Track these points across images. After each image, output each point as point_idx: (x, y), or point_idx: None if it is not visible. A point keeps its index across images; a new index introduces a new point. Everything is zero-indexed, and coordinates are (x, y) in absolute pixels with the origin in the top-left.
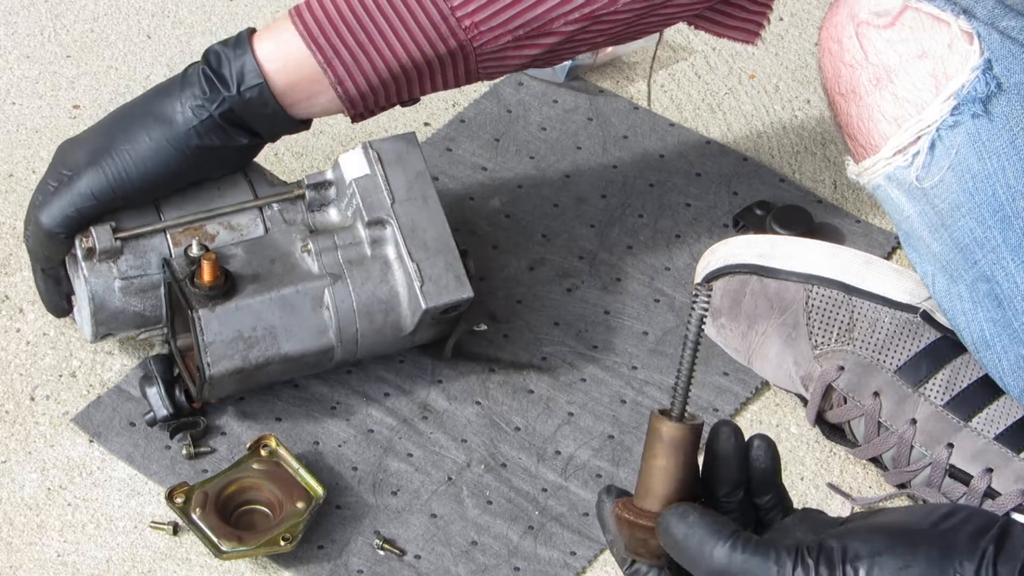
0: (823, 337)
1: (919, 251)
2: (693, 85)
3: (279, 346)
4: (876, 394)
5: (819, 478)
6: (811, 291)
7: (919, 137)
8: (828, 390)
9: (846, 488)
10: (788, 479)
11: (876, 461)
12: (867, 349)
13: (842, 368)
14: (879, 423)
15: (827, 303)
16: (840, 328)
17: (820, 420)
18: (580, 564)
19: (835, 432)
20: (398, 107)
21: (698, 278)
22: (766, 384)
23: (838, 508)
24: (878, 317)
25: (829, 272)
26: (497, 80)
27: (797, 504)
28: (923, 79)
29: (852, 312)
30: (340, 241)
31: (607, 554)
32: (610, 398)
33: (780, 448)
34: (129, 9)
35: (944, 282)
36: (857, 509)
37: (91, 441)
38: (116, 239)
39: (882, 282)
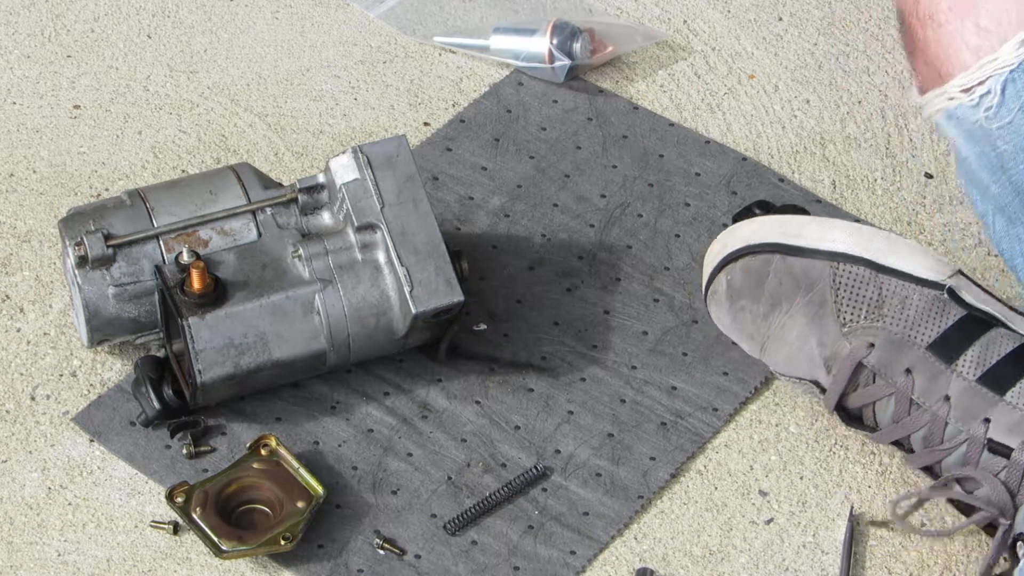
0: (852, 315)
1: (978, 189)
2: (692, 85)
3: (270, 352)
4: (908, 371)
5: (818, 478)
6: (838, 268)
7: (989, 77)
8: (857, 369)
9: (845, 488)
10: (788, 479)
11: (899, 444)
12: (898, 325)
13: (872, 345)
14: (911, 401)
15: (855, 280)
16: (869, 305)
17: (838, 406)
18: (580, 563)
19: (852, 419)
20: (397, 108)
21: (714, 261)
22: (766, 384)
23: (837, 507)
24: (907, 294)
25: (855, 250)
26: (497, 80)
27: (797, 503)
28: (1007, 10)
29: (880, 289)
30: (330, 246)
31: (607, 553)
32: (610, 397)
33: (779, 448)
34: (129, 9)
35: (1003, 223)
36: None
37: (91, 440)
38: (108, 247)
39: (906, 259)
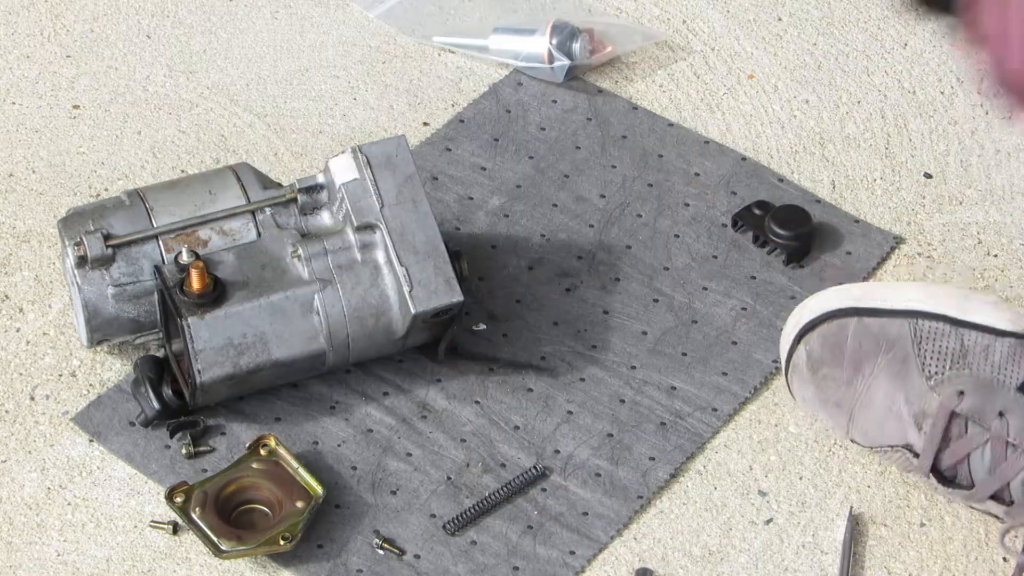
0: (936, 367)
1: None
2: (692, 85)
3: (270, 352)
4: (1001, 414)
5: (818, 478)
6: (916, 324)
7: None
8: (950, 420)
9: (844, 488)
10: (787, 479)
11: (999, 499)
12: (985, 370)
13: (962, 393)
14: (1007, 443)
15: (935, 334)
16: (953, 356)
17: (932, 468)
18: (579, 563)
19: (947, 481)
20: (396, 108)
21: (791, 333)
22: (765, 384)
23: (836, 507)
24: (989, 343)
25: (930, 307)
26: (496, 80)
27: (796, 503)
28: None
29: (962, 341)
30: (330, 246)
31: (606, 553)
32: (609, 397)
33: (779, 448)
34: (129, 9)
35: None
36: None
37: (91, 440)
38: (108, 247)
39: (984, 314)
